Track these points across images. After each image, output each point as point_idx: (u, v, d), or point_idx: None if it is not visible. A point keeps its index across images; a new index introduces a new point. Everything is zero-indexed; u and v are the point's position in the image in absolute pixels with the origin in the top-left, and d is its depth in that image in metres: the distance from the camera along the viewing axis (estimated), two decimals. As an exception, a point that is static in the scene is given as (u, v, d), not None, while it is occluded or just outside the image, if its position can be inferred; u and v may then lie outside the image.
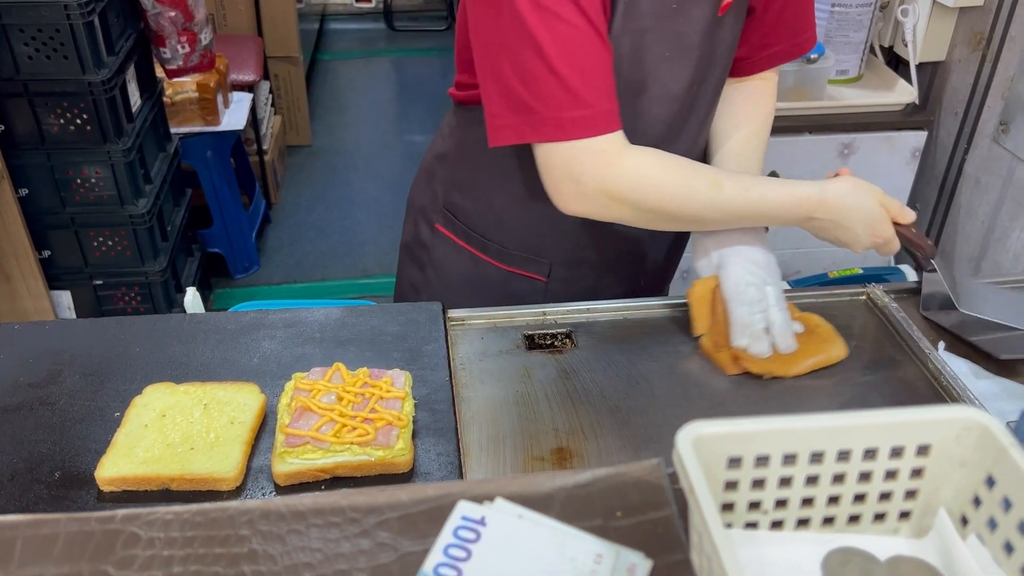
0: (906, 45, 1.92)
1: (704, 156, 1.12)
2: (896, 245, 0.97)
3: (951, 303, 1.05)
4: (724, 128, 1.10)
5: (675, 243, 1.21)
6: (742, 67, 1.10)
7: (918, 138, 1.91)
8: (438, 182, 1.14)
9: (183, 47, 2.26)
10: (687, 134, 1.04)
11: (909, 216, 0.98)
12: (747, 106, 1.11)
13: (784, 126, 1.86)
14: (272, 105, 3.39)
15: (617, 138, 0.89)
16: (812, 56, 1.82)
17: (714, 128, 1.11)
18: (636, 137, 0.92)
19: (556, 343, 1.02)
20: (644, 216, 0.93)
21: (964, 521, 0.61)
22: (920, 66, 1.94)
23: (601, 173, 0.88)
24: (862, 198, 0.95)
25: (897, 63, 2.06)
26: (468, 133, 1.06)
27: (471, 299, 1.14)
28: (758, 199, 0.92)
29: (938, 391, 0.95)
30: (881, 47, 2.05)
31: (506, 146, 0.92)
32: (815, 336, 0.99)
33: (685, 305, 1.07)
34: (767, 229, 1.03)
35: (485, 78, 0.90)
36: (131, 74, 2.13)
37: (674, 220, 0.94)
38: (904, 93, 1.93)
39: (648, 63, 0.94)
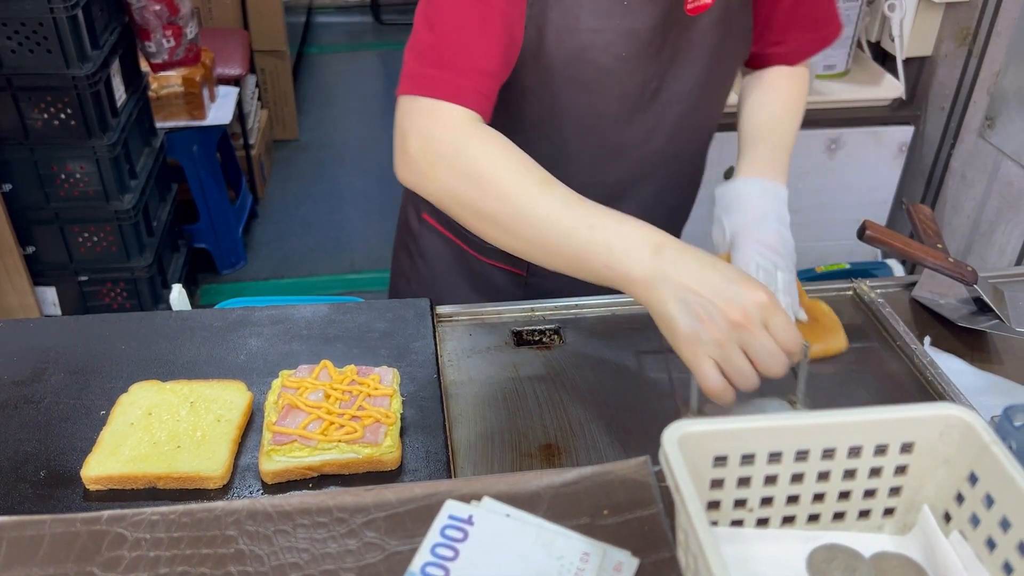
0: (893, 40, 1.93)
1: (687, 157, 1.10)
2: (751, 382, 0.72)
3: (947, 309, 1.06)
4: (747, 110, 1.05)
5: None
6: (757, 62, 1.08)
7: (905, 133, 1.92)
8: None
9: (168, 41, 2.25)
10: (645, 133, 1.00)
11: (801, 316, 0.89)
12: (767, 89, 1.06)
13: (771, 121, 1.86)
14: (259, 99, 3.37)
15: (468, 112, 0.83)
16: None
17: (740, 114, 1.07)
18: (587, 133, 0.91)
19: (544, 339, 1.02)
20: (461, 196, 0.81)
21: (947, 518, 0.62)
22: (907, 61, 1.95)
23: (428, 131, 0.82)
24: (722, 263, 0.74)
25: (884, 58, 2.07)
26: None
27: (457, 289, 1.15)
28: (586, 214, 0.77)
29: (923, 386, 0.95)
30: (868, 42, 2.06)
31: None
32: (818, 325, 0.98)
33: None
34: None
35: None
36: (116, 68, 2.11)
37: (491, 215, 0.81)
38: (891, 88, 1.94)
39: (600, 61, 0.91)
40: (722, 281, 0.71)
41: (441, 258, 1.16)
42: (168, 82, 2.47)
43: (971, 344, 1.03)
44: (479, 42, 0.84)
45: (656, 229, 0.76)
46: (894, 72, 1.96)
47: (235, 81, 2.88)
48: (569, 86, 0.92)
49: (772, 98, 1.05)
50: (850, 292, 1.11)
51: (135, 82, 2.26)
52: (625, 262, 0.74)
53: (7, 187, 2.02)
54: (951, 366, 0.97)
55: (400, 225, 1.23)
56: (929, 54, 1.94)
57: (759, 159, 0.99)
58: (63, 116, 1.96)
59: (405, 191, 1.22)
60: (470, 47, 0.83)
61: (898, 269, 2.04)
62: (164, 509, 0.62)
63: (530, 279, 1.14)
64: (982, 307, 1.06)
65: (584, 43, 0.89)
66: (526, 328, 1.03)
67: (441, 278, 1.16)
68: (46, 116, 1.95)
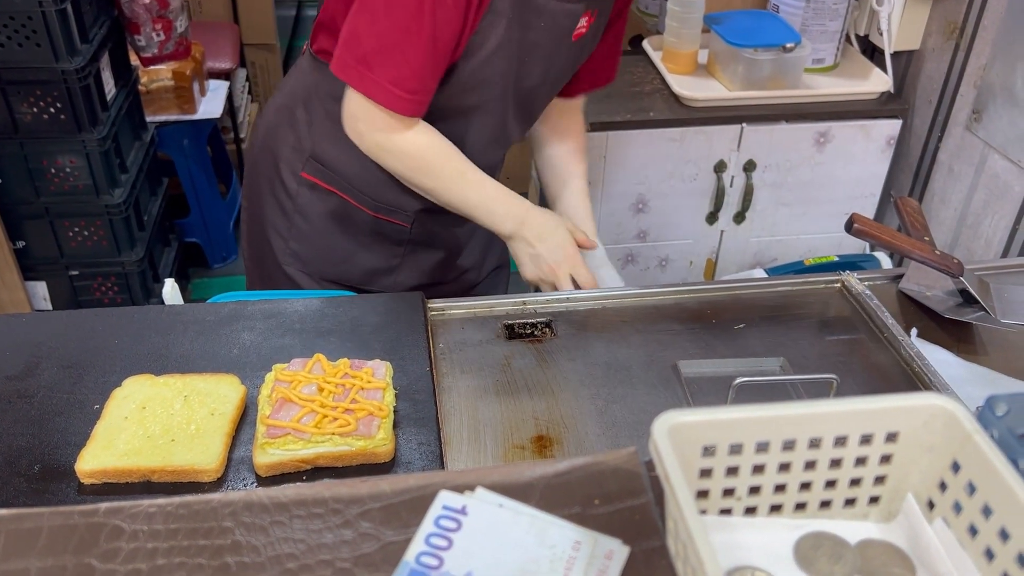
0: (881, 34, 1.94)
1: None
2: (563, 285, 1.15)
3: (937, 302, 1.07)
4: (547, 137, 1.32)
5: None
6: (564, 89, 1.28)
7: (893, 126, 1.94)
8: (303, 128, 1.19)
9: (158, 35, 2.24)
10: (526, 122, 1.23)
11: (591, 245, 1.19)
12: (565, 121, 1.32)
13: (760, 114, 1.88)
14: (249, 93, 3.35)
15: (411, 120, 1.07)
16: (788, 45, 1.84)
17: (539, 135, 1.33)
18: (495, 116, 1.14)
19: (536, 332, 1.03)
20: (403, 174, 1.12)
21: (931, 505, 0.63)
22: (895, 55, 1.96)
23: (370, 131, 1.08)
24: (561, 227, 1.17)
25: (872, 52, 2.08)
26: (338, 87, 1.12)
27: (340, 238, 1.22)
28: (489, 196, 1.14)
29: (910, 377, 0.97)
30: (857, 36, 2.07)
31: None
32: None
33: (662, 294, 1.09)
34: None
35: (357, 16, 1.02)
36: (105, 62, 2.10)
37: (425, 189, 1.13)
38: (879, 82, 1.95)
39: (496, 88, 1.10)
40: (553, 247, 1.14)
41: (322, 215, 1.22)
42: (158, 76, 2.46)
43: (957, 335, 1.04)
44: (403, 58, 1.00)
45: (525, 204, 1.15)
46: (882, 66, 1.97)
47: (225, 75, 2.87)
48: (466, 99, 1.10)
49: (569, 135, 1.33)
50: (838, 284, 1.12)
51: (125, 76, 2.25)
52: (499, 224, 1.15)
53: (-3, 182, 2.01)
54: (937, 357, 0.99)
55: (265, 183, 1.26)
56: (917, 48, 1.96)
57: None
58: (53, 110, 1.95)
59: (265, 144, 1.26)
60: (394, 61, 1.00)
61: (886, 261, 2.05)
62: (161, 501, 0.63)
63: (414, 229, 1.22)
64: (968, 299, 1.07)
65: (517, 55, 1.07)
66: (518, 321, 1.04)
67: (324, 233, 1.23)
68: (35, 110, 1.94)
